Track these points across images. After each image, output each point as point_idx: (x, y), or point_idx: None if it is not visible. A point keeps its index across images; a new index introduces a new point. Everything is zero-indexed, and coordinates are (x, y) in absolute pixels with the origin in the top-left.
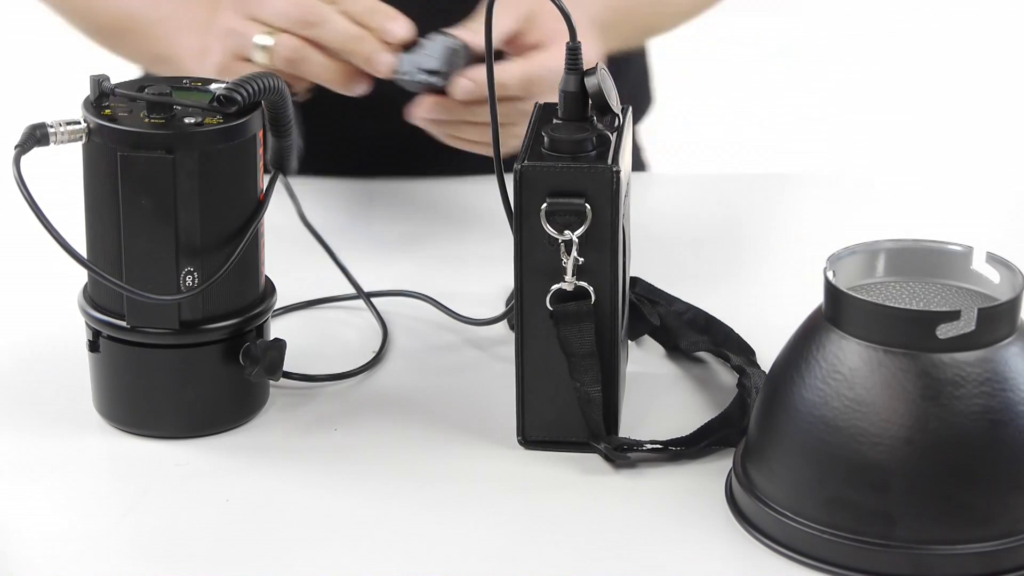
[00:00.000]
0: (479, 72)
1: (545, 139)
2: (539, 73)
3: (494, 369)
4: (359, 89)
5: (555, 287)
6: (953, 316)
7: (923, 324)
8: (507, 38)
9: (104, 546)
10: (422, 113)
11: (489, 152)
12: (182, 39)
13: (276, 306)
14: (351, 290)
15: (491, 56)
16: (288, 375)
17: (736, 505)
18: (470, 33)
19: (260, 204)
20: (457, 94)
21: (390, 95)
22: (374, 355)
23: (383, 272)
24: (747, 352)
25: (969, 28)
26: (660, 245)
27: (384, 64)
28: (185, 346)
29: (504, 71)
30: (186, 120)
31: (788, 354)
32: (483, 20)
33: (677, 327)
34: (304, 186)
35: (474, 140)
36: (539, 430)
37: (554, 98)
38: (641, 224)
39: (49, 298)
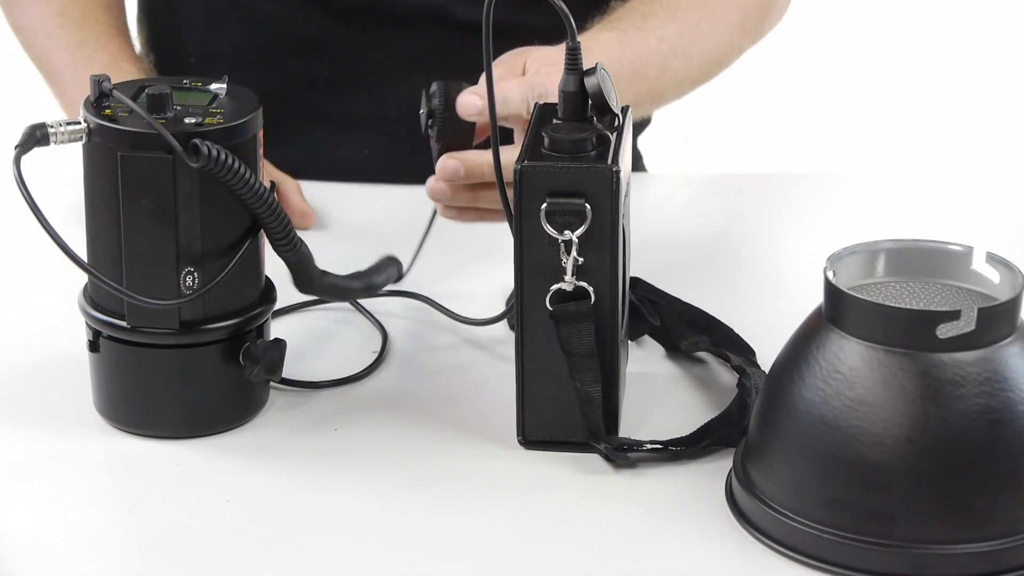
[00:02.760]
0: (465, 154)
1: (545, 139)
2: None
3: (494, 369)
4: None
5: (555, 287)
6: (953, 316)
7: (923, 324)
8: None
9: (104, 546)
10: (430, 194)
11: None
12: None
13: (276, 306)
14: None
15: (490, 59)
16: (289, 381)
17: (736, 505)
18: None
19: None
20: (439, 174)
21: (390, 101)
22: (375, 357)
23: None
24: (747, 352)
25: (969, 27)
26: (660, 245)
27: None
28: (185, 346)
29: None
30: (186, 120)
31: (788, 354)
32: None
33: (677, 327)
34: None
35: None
36: (539, 430)
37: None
38: (641, 224)
39: (49, 298)
